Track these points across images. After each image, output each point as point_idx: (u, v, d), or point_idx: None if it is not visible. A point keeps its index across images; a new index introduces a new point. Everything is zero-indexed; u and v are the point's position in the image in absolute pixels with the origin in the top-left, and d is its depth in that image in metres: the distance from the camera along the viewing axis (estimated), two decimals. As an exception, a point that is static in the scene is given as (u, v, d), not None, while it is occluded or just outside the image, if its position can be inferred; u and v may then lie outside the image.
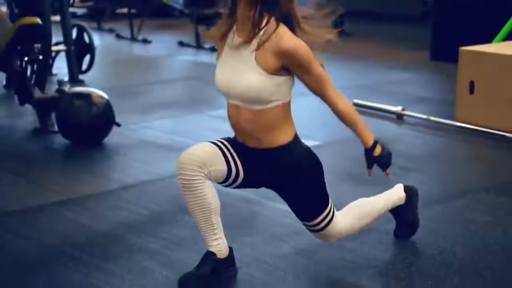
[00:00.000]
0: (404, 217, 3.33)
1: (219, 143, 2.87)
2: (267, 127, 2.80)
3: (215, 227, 2.88)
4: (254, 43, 2.72)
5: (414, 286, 2.93)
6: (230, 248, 2.97)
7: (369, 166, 3.03)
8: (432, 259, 3.17)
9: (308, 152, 2.92)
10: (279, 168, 2.87)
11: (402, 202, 3.30)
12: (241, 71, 2.74)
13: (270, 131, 2.81)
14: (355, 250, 3.27)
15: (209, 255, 2.90)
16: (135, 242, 3.32)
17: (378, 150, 2.99)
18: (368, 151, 2.98)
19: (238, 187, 2.95)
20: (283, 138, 2.84)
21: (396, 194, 3.28)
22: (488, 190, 4.02)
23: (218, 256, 2.90)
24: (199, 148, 2.83)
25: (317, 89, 2.84)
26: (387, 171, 3.04)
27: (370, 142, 2.96)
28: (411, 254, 3.21)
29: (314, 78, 2.81)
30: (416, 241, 3.34)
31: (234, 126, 2.89)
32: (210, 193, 2.83)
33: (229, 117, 2.89)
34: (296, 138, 2.88)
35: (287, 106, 2.83)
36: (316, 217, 2.95)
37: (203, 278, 2.86)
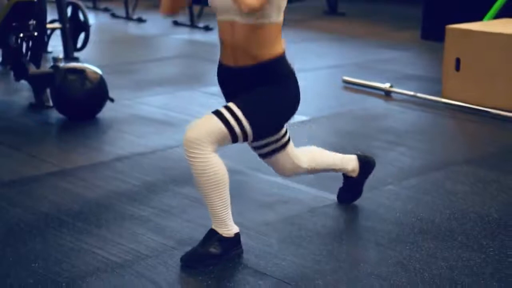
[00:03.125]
0: (353, 186, 3.49)
1: (222, 109, 2.87)
2: (263, 43, 2.84)
3: (227, 202, 2.89)
4: None
5: (393, 250, 3.06)
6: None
7: None
8: (411, 226, 3.30)
9: (293, 76, 2.95)
10: (264, 79, 2.89)
11: (354, 174, 3.45)
12: None
13: (266, 46, 2.86)
14: (338, 217, 3.40)
15: (215, 233, 2.92)
16: (126, 210, 3.45)
17: None
18: None
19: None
20: (275, 52, 2.89)
21: (351, 165, 3.44)
22: (469, 162, 4.16)
23: (225, 235, 2.93)
24: (201, 123, 2.85)
25: None
26: None
27: None
28: (391, 222, 3.34)
29: None
30: (397, 209, 3.47)
31: (227, 44, 2.91)
32: (220, 165, 2.84)
33: (222, 36, 2.92)
34: (284, 55, 2.93)
35: (279, 27, 2.88)
36: (261, 138, 3.05)
37: (213, 258, 2.90)
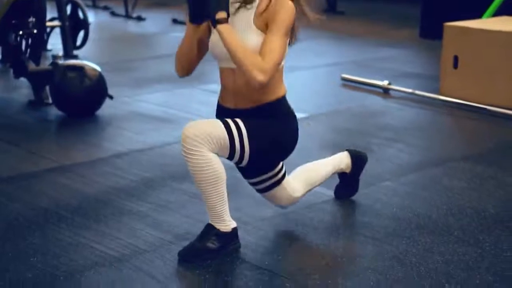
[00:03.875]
0: (349, 181, 3.52)
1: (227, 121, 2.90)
2: (263, 88, 2.86)
3: (225, 198, 2.90)
4: (254, 5, 2.86)
5: (390, 245, 3.08)
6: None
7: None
8: (407, 221, 3.32)
9: (292, 115, 3.02)
10: (264, 116, 2.94)
11: (348, 170, 3.48)
12: (239, 32, 2.84)
13: (266, 91, 2.90)
14: (335, 213, 3.42)
15: (212, 228, 2.94)
16: (124, 205, 3.46)
17: None
18: None
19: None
20: (276, 94, 2.95)
21: (344, 162, 3.47)
22: (466, 159, 4.17)
23: (223, 230, 2.93)
24: (202, 121, 2.87)
25: (260, 52, 2.82)
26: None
27: None
28: (387, 218, 3.36)
29: (269, 42, 2.81)
30: (394, 205, 3.49)
31: (229, 90, 2.96)
32: (217, 161, 2.84)
33: (224, 82, 2.97)
34: (285, 97, 3.00)
35: (281, 71, 2.95)
36: (256, 176, 3.11)
37: (210, 253, 2.92)
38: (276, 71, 2.86)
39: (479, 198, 3.59)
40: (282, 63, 2.94)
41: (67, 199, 3.55)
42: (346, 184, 3.53)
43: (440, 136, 4.74)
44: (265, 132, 2.94)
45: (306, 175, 3.35)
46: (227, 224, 2.95)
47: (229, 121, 2.88)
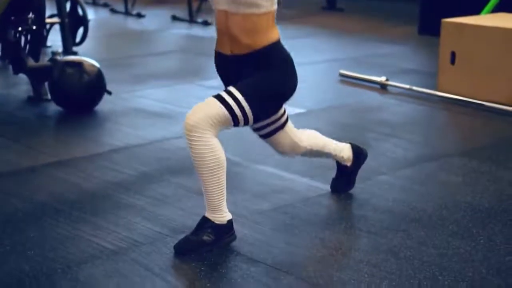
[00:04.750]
0: (347, 175, 3.54)
1: (222, 93, 2.93)
2: (256, 32, 2.91)
3: (224, 188, 2.94)
4: None
5: (384, 239, 3.10)
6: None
7: None
8: (402, 215, 3.34)
9: (289, 60, 3.02)
10: (261, 64, 2.95)
11: (348, 163, 3.50)
12: None
13: (259, 35, 2.92)
14: (330, 206, 3.45)
15: (208, 221, 2.97)
16: (122, 199, 3.49)
17: None
18: None
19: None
20: (269, 39, 2.95)
21: (345, 153, 3.50)
22: (462, 154, 4.20)
23: (218, 223, 2.97)
24: (202, 107, 2.89)
25: None
26: None
27: None
28: (383, 211, 3.38)
29: None
30: (389, 199, 3.51)
31: (222, 33, 2.98)
32: (220, 149, 2.90)
33: (218, 25, 2.99)
34: (279, 41, 3.00)
35: (272, 15, 2.95)
36: (261, 119, 3.10)
37: (206, 245, 2.95)
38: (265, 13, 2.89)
39: (474, 193, 3.62)
40: (274, 6, 2.95)
41: (65, 193, 3.57)
42: (344, 178, 3.55)
43: (436, 132, 4.76)
44: (262, 86, 2.96)
45: (310, 133, 3.38)
46: (223, 215, 2.98)
47: (222, 93, 2.92)
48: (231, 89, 2.94)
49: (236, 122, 2.94)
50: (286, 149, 3.31)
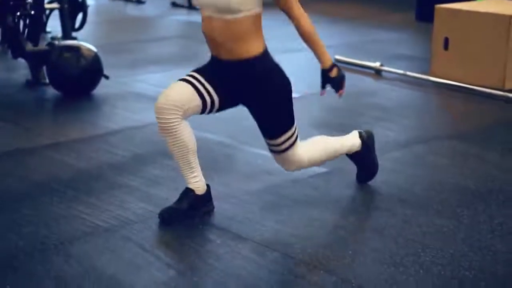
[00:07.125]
0: (362, 161, 3.52)
1: (191, 79, 3.07)
2: (237, 37, 2.96)
3: (192, 165, 3.13)
4: None
5: (371, 218, 3.19)
6: (208, 186, 3.21)
7: (323, 86, 3.20)
8: (390, 195, 3.42)
9: (277, 68, 3.10)
10: (250, 80, 3.05)
11: (358, 148, 3.48)
12: None
13: (241, 41, 2.98)
14: (319, 187, 3.53)
15: (188, 192, 3.16)
16: (116, 180, 3.57)
17: (334, 72, 3.17)
18: (325, 72, 3.16)
19: (218, 111, 3.17)
20: (253, 49, 3.01)
21: (351, 140, 3.46)
22: (451, 137, 4.27)
23: (196, 193, 3.15)
24: (173, 91, 3.04)
25: (284, 4, 3.04)
26: (340, 93, 3.20)
27: (328, 64, 3.15)
28: (371, 192, 3.47)
29: None
30: (377, 180, 3.59)
31: (208, 37, 3.05)
32: (186, 133, 3.07)
33: (204, 30, 3.06)
34: (266, 52, 3.06)
35: (258, 19, 3.00)
36: (279, 136, 3.14)
37: (182, 212, 3.12)
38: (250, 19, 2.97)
39: (461, 175, 3.69)
40: (256, 10, 2.97)
41: (61, 173, 3.66)
42: (362, 164, 3.52)
43: (427, 116, 4.83)
44: (279, 112, 3.12)
45: (315, 146, 3.35)
46: (199, 187, 3.15)
47: (189, 77, 3.08)
48: (194, 74, 3.10)
49: (204, 106, 3.07)
50: (291, 167, 3.28)
